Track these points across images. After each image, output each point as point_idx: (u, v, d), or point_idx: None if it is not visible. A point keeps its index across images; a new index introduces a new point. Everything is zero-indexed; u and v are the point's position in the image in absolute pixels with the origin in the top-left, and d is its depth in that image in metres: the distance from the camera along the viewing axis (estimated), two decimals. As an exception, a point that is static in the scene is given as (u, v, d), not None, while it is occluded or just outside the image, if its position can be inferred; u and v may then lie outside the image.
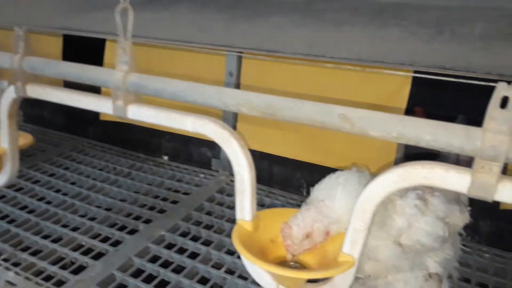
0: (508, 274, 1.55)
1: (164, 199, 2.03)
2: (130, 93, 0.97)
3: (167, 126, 0.97)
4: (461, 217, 1.18)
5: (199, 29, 1.87)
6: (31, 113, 2.96)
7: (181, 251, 1.64)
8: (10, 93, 1.26)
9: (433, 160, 0.80)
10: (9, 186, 2.04)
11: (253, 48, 1.63)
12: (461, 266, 1.30)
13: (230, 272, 1.52)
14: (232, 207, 1.88)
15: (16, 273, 1.48)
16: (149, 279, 1.49)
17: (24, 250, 1.62)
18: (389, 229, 1.08)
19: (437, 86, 1.78)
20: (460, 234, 1.23)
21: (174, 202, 2.01)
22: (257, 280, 1.06)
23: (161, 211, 1.93)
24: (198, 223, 1.84)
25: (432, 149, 0.78)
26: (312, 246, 1.04)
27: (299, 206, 1.12)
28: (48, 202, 1.98)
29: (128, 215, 1.90)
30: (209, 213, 1.92)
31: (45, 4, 2.31)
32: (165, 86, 0.93)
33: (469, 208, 1.25)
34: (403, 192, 1.11)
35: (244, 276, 1.48)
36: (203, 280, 1.49)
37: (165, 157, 2.50)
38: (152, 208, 1.96)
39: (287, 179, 2.16)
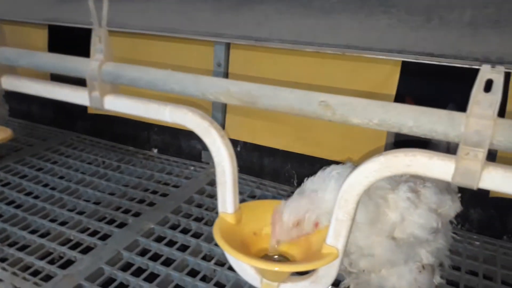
0: (498, 261, 1.55)
1: (154, 192, 2.01)
2: (106, 83, 0.94)
3: (145, 117, 0.94)
4: (453, 207, 1.18)
5: (186, 18, 1.84)
6: (19, 107, 2.92)
7: (171, 243, 1.62)
8: (-17, 85, 1.22)
9: (425, 148, 0.78)
10: (-4, 181, 2.01)
11: (240, 37, 1.60)
12: (451, 254, 1.30)
13: (220, 264, 1.51)
14: (222, 199, 1.86)
15: (3, 268, 1.46)
16: (138, 272, 1.47)
17: (11, 245, 1.60)
18: (383, 224, 1.07)
19: (426, 74, 1.78)
20: (451, 222, 1.23)
21: (164, 195, 1.99)
22: (241, 274, 1.04)
23: (151, 204, 1.91)
24: (188, 216, 1.82)
25: (419, 136, 0.76)
26: (299, 236, 1.02)
27: (289, 197, 1.10)
28: (36, 197, 1.95)
29: (117, 208, 1.87)
30: (199, 206, 1.90)
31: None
32: (141, 74, 0.90)
33: (459, 195, 1.25)
34: (395, 185, 1.11)
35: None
36: (193, 272, 1.47)
37: (155, 150, 2.47)
38: (141, 201, 1.94)
39: (278, 171, 2.15)
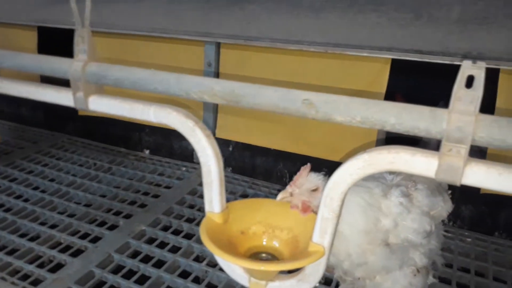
0: (489, 258, 1.55)
1: (145, 194, 2.00)
2: (90, 83, 0.93)
3: (130, 117, 0.93)
4: (445, 207, 1.18)
5: (176, 19, 1.83)
6: (9, 110, 2.89)
7: (162, 245, 1.61)
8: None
9: (416, 146, 0.78)
10: (-15, 184, 1.99)
11: (230, 36, 1.59)
12: (443, 252, 1.29)
13: (212, 265, 1.50)
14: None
15: (-8, 273, 1.45)
16: (129, 274, 1.46)
17: (0, 249, 1.58)
18: (377, 232, 1.07)
19: (417, 71, 1.78)
20: (442, 221, 1.23)
21: (155, 196, 1.97)
22: (229, 273, 1.04)
23: (142, 206, 1.89)
24: (179, 217, 1.81)
25: (402, 133, 0.75)
26: (306, 204, 1.04)
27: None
28: (26, 200, 1.93)
29: (108, 210, 1.86)
30: (191, 206, 1.89)
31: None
32: (125, 75, 0.89)
33: (449, 192, 1.25)
34: (387, 190, 1.11)
35: (226, 269, 1.46)
36: (185, 274, 1.46)
37: (146, 151, 2.46)
38: (132, 203, 1.92)
39: (270, 170, 2.14)
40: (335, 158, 1.88)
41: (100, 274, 1.45)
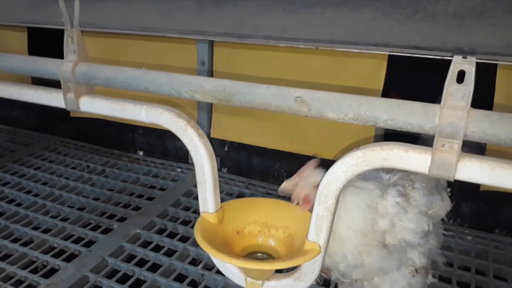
0: (490, 255, 1.53)
1: (140, 196, 1.97)
2: (81, 84, 0.91)
3: (122, 117, 0.90)
4: (443, 206, 1.16)
5: (168, 17, 1.79)
6: (1, 112, 2.85)
7: (157, 248, 1.58)
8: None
9: (414, 143, 0.76)
10: (-24, 189, 1.95)
11: (223, 34, 1.56)
12: (443, 250, 1.27)
13: (208, 268, 1.47)
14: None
15: (-16, 280, 1.41)
16: (123, 279, 1.43)
17: (-8, 255, 1.55)
18: (373, 233, 1.05)
19: (414, 68, 1.76)
20: (442, 220, 1.21)
21: (150, 198, 1.94)
22: (225, 273, 1.03)
23: (136, 209, 1.86)
24: (174, 219, 1.78)
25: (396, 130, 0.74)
26: (307, 198, 1.01)
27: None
28: (19, 204, 1.90)
29: (102, 214, 1.83)
30: (186, 208, 1.86)
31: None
32: (115, 74, 0.87)
33: (448, 190, 1.23)
34: (384, 190, 1.08)
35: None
36: (181, 277, 1.43)
37: (140, 153, 2.43)
38: (127, 206, 1.89)
39: (267, 170, 2.12)
40: (333, 156, 1.86)
41: (95, 278, 1.42)
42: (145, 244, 1.62)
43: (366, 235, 1.04)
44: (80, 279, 1.42)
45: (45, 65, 0.98)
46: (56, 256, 1.55)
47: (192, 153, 0.89)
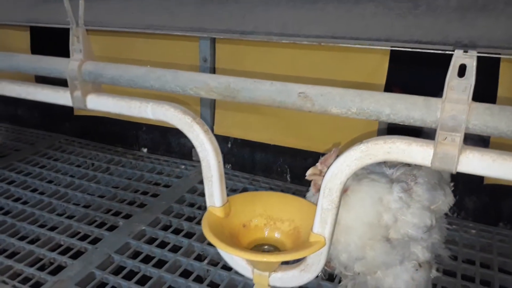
0: (494, 249, 1.54)
1: (144, 193, 1.98)
2: (87, 82, 0.92)
3: (128, 115, 0.92)
4: (446, 201, 1.16)
5: (169, 14, 1.80)
6: (5, 111, 2.87)
7: (163, 245, 1.60)
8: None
9: (418, 137, 0.78)
10: (-18, 188, 1.97)
11: (224, 31, 1.57)
12: (448, 244, 1.28)
13: (213, 263, 1.48)
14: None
15: (-8, 277, 1.43)
16: (130, 275, 1.44)
17: (0, 252, 1.57)
18: (378, 227, 1.06)
19: (417, 62, 1.75)
20: (445, 214, 1.21)
21: (155, 195, 1.96)
22: (233, 265, 1.04)
23: (141, 205, 1.88)
24: (179, 216, 1.80)
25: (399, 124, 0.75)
26: None
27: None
28: (25, 202, 1.91)
29: (107, 211, 1.85)
30: (191, 205, 1.87)
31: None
32: (121, 73, 0.88)
33: (452, 184, 1.23)
34: (389, 187, 1.09)
35: (228, 267, 1.44)
36: (186, 273, 1.45)
37: (144, 150, 2.44)
38: (132, 203, 1.91)
39: (270, 166, 2.12)
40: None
41: (101, 275, 1.44)
42: (151, 241, 1.63)
43: (371, 228, 1.05)
44: (87, 276, 1.43)
45: (52, 64, 0.99)
46: (62, 253, 1.56)
47: (198, 149, 0.91)
